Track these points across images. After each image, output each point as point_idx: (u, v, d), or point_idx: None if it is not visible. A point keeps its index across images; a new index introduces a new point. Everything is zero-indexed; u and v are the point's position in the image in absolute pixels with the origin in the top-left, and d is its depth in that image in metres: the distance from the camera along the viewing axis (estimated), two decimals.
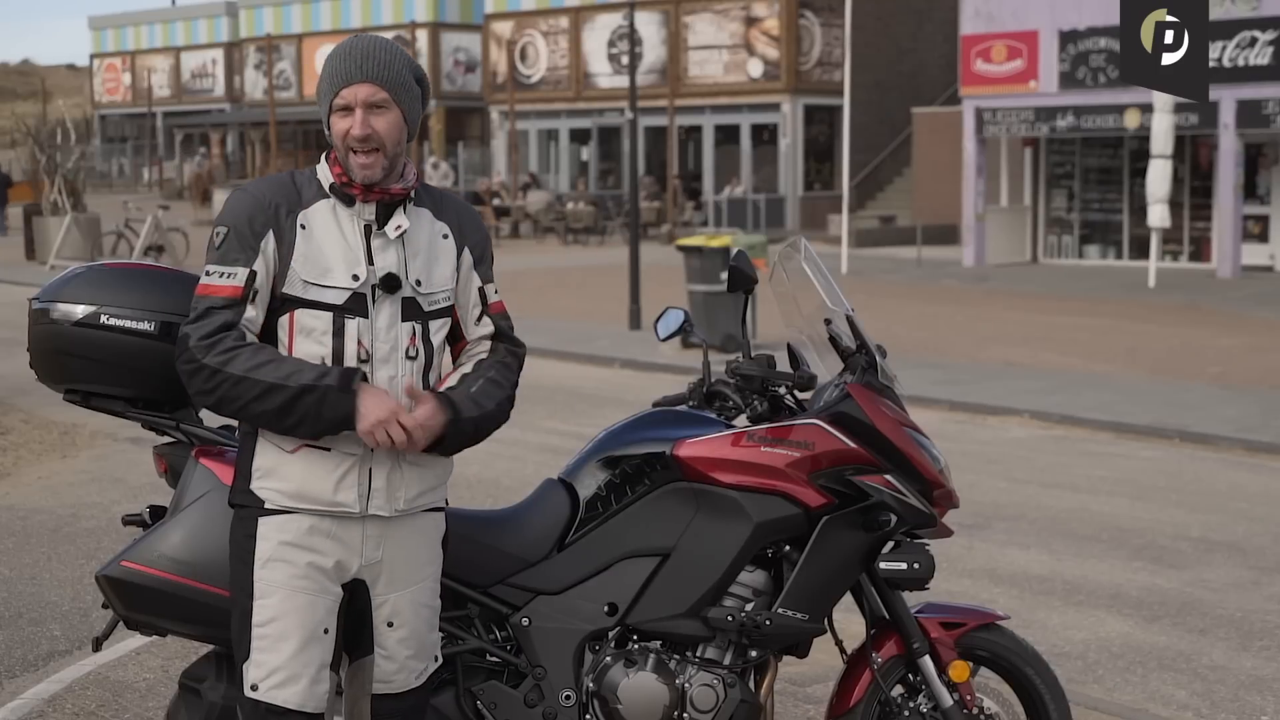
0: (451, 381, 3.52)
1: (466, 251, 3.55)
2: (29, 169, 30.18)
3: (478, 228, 3.62)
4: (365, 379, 3.35)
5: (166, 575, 3.65)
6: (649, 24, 37.91)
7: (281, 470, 3.38)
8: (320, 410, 3.27)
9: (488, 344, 3.62)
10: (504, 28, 42.48)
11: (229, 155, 53.54)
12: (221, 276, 3.34)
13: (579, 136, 41.88)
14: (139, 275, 3.81)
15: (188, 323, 3.35)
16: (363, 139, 3.34)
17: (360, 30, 44.43)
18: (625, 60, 36.13)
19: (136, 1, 62.17)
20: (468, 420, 3.42)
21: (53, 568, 7.43)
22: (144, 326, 3.69)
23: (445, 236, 3.52)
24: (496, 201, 35.73)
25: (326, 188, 3.43)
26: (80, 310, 3.71)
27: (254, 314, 3.35)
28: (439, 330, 3.50)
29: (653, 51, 38.41)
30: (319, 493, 3.37)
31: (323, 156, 3.49)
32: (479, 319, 3.60)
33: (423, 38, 44.86)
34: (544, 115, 42.10)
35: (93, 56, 61.66)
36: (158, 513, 3.85)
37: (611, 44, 39.96)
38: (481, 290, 3.59)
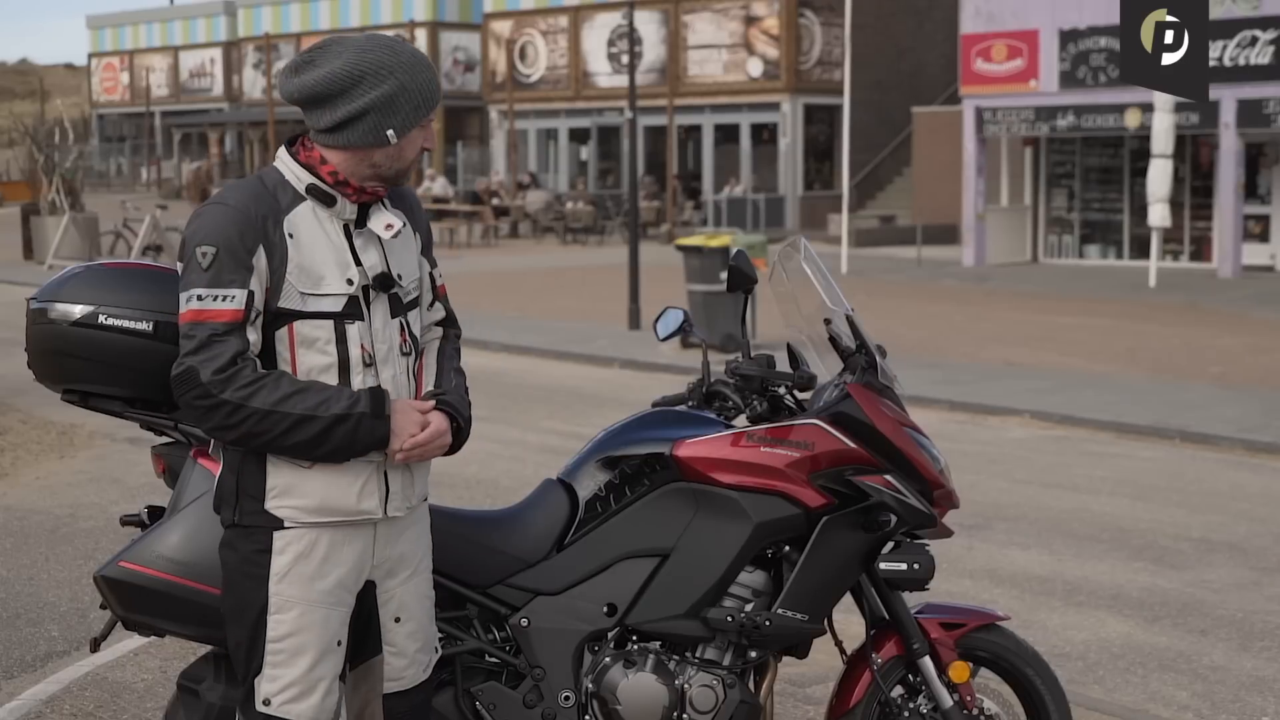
0: (431, 379, 3.52)
1: (418, 237, 3.54)
2: (26, 168, 30.09)
3: (422, 213, 3.62)
4: (390, 397, 3.33)
5: (165, 576, 3.63)
6: (648, 23, 37.90)
7: (301, 487, 3.30)
8: (355, 437, 3.24)
9: (438, 329, 3.63)
10: (503, 27, 42.47)
11: (227, 155, 53.49)
12: (217, 300, 3.20)
13: (578, 136, 41.86)
14: (137, 275, 3.79)
15: (188, 354, 3.21)
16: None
17: (359, 30, 44.46)
18: (625, 59, 36.10)
19: (134, 1, 62.10)
20: (466, 421, 3.47)
21: (50, 568, 7.41)
22: (142, 326, 3.66)
23: (405, 225, 3.48)
24: (495, 201, 35.70)
25: (303, 189, 3.32)
26: (78, 310, 3.69)
27: (255, 337, 3.26)
28: (415, 321, 3.49)
29: (652, 51, 38.41)
30: (343, 504, 3.33)
31: (283, 152, 3.36)
32: (431, 304, 3.60)
33: (422, 37, 44.82)
34: (543, 115, 42.09)
35: (91, 56, 61.63)
36: (156, 513, 3.83)
37: (611, 43, 39.95)
38: (431, 275, 3.58)
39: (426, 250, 3.57)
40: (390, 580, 3.46)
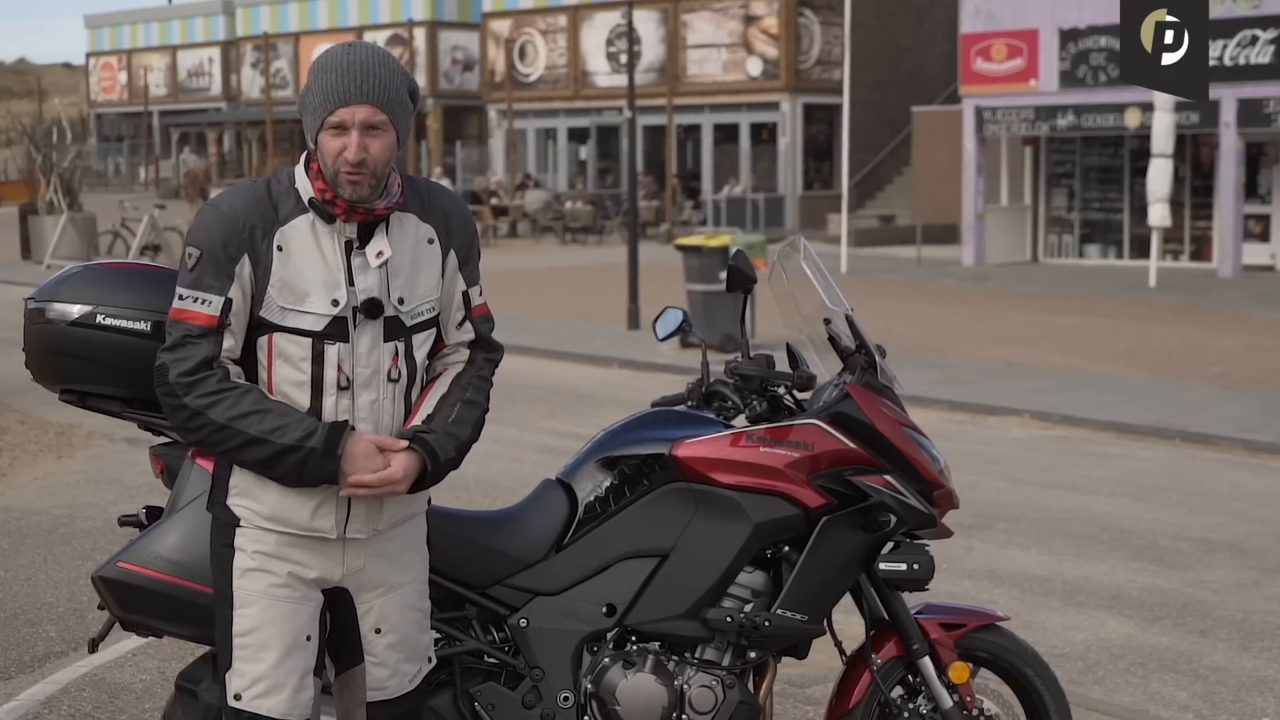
0: (428, 409, 3.36)
1: (452, 254, 3.40)
2: (24, 168, 30.07)
3: (465, 226, 3.45)
4: (352, 428, 3.22)
5: (163, 576, 3.63)
6: (647, 22, 37.88)
7: (257, 492, 3.28)
8: (303, 470, 3.18)
9: (465, 352, 3.48)
10: (502, 26, 42.45)
11: (225, 154, 53.45)
12: (196, 302, 3.20)
13: (577, 135, 41.85)
14: (135, 275, 3.79)
15: (165, 349, 3.22)
16: (358, 164, 3.16)
17: (358, 29, 44.45)
18: (624, 59, 36.10)
19: (133, 0, 62.08)
20: (445, 462, 3.33)
21: (48, 569, 7.40)
22: (140, 326, 3.66)
23: (430, 241, 3.35)
24: (494, 201, 35.70)
25: (306, 201, 3.25)
26: (76, 310, 3.69)
27: (231, 343, 3.22)
28: (423, 344, 3.37)
29: (651, 50, 38.39)
30: (295, 519, 3.29)
31: (302, 159, 3.30)
32: (460, 324, 3.46)
33: (420, 36, 44.82)
34: (542, 114, 42.07)
35: (89, 55, 61.62)
36: (154, 513, 3.83)
37: (610, 42, 39.93)
38: (465, 294, 3.44)
39: (465, 267, 3.43)
40: (367, 593, 3.40)
